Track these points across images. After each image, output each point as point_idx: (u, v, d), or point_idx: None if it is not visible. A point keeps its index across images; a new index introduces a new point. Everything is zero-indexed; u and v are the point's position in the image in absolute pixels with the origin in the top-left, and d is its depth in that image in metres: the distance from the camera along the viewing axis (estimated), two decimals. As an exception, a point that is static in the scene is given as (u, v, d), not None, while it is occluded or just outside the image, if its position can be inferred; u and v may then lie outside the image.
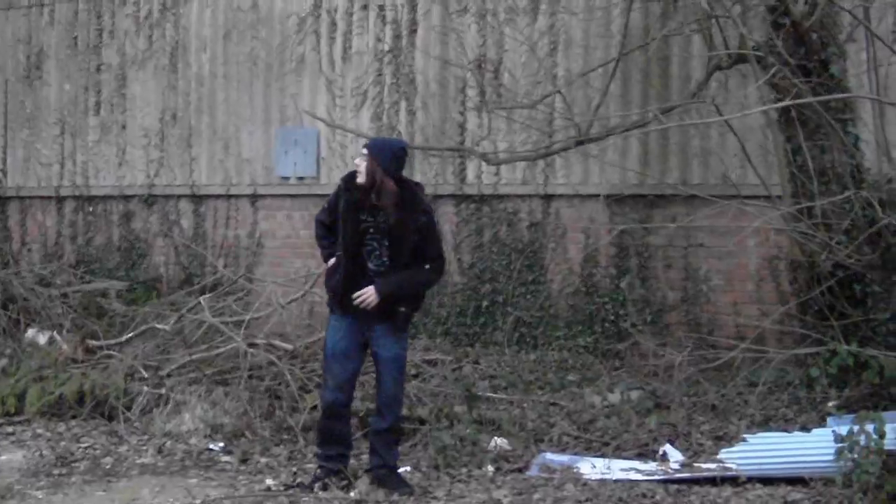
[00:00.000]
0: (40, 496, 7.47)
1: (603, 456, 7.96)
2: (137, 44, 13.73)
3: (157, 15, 13.60)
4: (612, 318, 11.14)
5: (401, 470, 7.83)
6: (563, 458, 7.92)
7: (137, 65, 13.72)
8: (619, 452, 8.06)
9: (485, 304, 11.74)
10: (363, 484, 7.26)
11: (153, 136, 13.61)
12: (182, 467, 8.26)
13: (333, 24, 12.54)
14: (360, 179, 7.13)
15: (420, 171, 12.06)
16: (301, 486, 7.36)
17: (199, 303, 10.82)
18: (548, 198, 11.54)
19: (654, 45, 9.41)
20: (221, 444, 8.84)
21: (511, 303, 11.63)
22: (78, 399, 10.01)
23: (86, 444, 8.97)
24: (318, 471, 7.39)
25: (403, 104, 12.21)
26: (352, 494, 7.14)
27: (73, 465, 8.37)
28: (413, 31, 12.12)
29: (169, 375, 10.17)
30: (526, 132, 10.91)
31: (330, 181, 12.42)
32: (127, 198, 13.80)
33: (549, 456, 7.98)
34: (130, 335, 11.33)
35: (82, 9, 14.11)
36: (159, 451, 8.73)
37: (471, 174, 11.86)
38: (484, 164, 11.64)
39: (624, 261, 11.19)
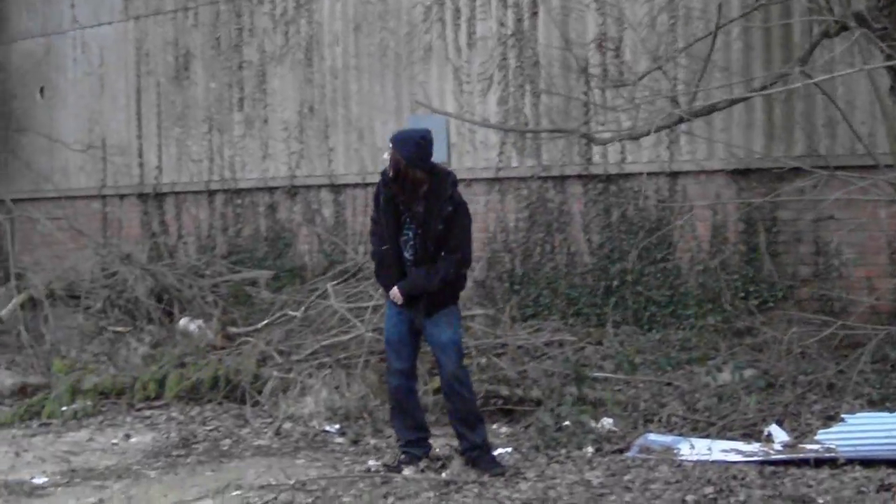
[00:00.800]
0: (153, 476, 7.86)
1: (708, 436, 7.85)
2: (275, 40, 14.13)
3: (291, 12, 13.97)
4: (742, 295, 10.91)
5: (503, 451, 7.94)
6: (666, 439, 7.85)
7: (276, 60, 14.13)
8: (724, 433, 7.93)
9: (614, 283, 11.66)
10: (456, 465, 7.37)
11: (293, 129, 13.99)
12: (294, 449, 8.54)
13: (457, 10, 12.64)
14: (391, 173, 7.31)
15: (546, 152, 12.06)
16: (389, 466, 7.52)
17: (327, 289, 11.13)
18: (674, 175, 11.38)
19: (761, 14, 9.14)
20: (337, 427, 9.09)
21: (640, 282, 11.52)
22: (213, 384, 10.44)
23: (211, 427, 9.35)
24: (402, 457, 7.55)
25: (528, 87, 12.21)
26: (443, 475, 7.25)
27: (193, 446, 8.75)
28: (534, 14, 12.12)
29: (298, 361, 10.50)
30: (647, 110, 10.77)
31: (460, 166, 12.55)
32: (271, 189, 14.24)
33: (652, 437, 7.93)
34: (266, 322, 11.73)
35: (223, 10, 14.60)
36: (277, 433, 9.04)
37: (597, 154, 11.78)
38: (609, 144, 11.57)
39: (752, 237, 10.93)
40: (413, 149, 7.25)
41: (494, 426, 8.86)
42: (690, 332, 10.75)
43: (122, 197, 15.82)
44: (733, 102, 8.49)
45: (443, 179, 7.37)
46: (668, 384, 9.21)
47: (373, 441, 8.58)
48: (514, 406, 9.18)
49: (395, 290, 7.40)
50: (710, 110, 8.54)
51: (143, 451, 8.64)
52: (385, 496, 6.84)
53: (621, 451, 7.75)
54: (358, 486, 7.17)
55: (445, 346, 7.41)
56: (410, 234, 7.37)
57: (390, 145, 7.29)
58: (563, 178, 12.03)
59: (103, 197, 16.03)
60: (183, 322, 12.67)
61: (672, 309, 11.30)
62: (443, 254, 7.36)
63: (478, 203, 12.56)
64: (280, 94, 14.13)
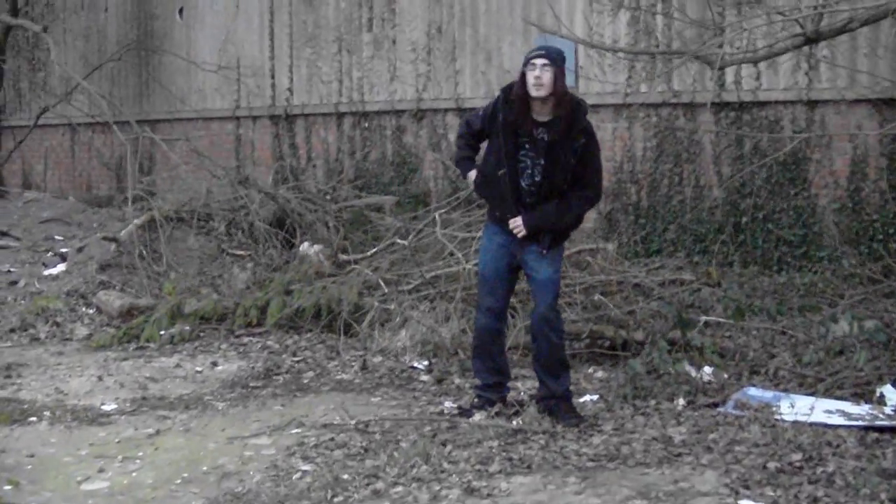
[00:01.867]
0: (220, 407, 7.61)
1: (814, 394, 7.13)
2: (405, -43, 13.63)
3: (421, -75, 13.44)
4: (881, 237, 10.01)
5: (589, 398, 7.42)
6: (766, 395, 7.16)
7: (405, -22, 13.64)
8: (833, 391, 7.19)
9: (744, 220, 10.88)
10: (529, 413, 6.85)
11: (420, 51, 13.51)
12: (376, 385, 8.17)
13: (589, -77, 11.88)
14: (541, 92, 6.57)
15: (678, 77, 11.28)
16: (461, 409, 7.06)
17: (435, 218, 10.69)
18: (812, 104, 10.49)
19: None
20: (426, 363, 8.69)
21: (772, 219, 10.71)
22: (315, 312, 10.14)
23: (299, 358, 9.08)
24: (476, 400, 7.07)
25: (660, 6, 11.39)
26: (513, 423, 6.75)
27: (274, 377, 8.49)
28: (669, -73, 11.28)
29: (402, 291, 10.14)
30: (788, 29, 9.88)
31: (588, 91, 11.88)
32: (398, 112, 13.82)
33: (752, 391, 7.25)
34: (375, 250, 11.38)
35: (356, -77, 14.18)
36: (364, 366, 8.70)
37: (730, 79, 10.95)
38: (744, 70, 10.74)
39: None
40: (564, 58, 6.69)
41: (591, 370, 8.33)
42: (820, 275, 9.91)
43: (254, 119, 15.65)
44: (867, 22, 7.58)
45: (577, 109, 6.72)
46: (783, 333, 8.47)
47: (457, 381, 8.14)
48: (617, 350, 8.62)
49: (517, 222, 6.74)
50: (839, 31, 7.65)
51: (222, 381, 8.42)
52: (444, 443, 6.39)
53: (716, 406, 7.10)
54: (423, 429, 6.75)
55: (545, 284, 6.81)
56: (528, 162, 6.69)
57: (543, 62, 6.52)
58: (693, 106, 11.23)
59: (237, 118, 15.90)
60: (304, 247, 12.40)
61: (804, 249, 10.48)
62: (575, 189, 6.77)
63: (605, 130, 11.89)
64: (408, 13, 13.63)
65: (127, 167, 15.69)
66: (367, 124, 14.18)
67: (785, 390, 7.29)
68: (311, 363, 8.94)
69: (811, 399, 6.95)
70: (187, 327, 10.15)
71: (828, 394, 7.11)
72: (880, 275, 9.61)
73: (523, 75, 6.64)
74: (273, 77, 15.32)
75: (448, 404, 7.45)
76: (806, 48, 10.25)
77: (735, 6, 10.65)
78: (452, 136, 13.27)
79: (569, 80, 11.88)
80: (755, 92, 10.77)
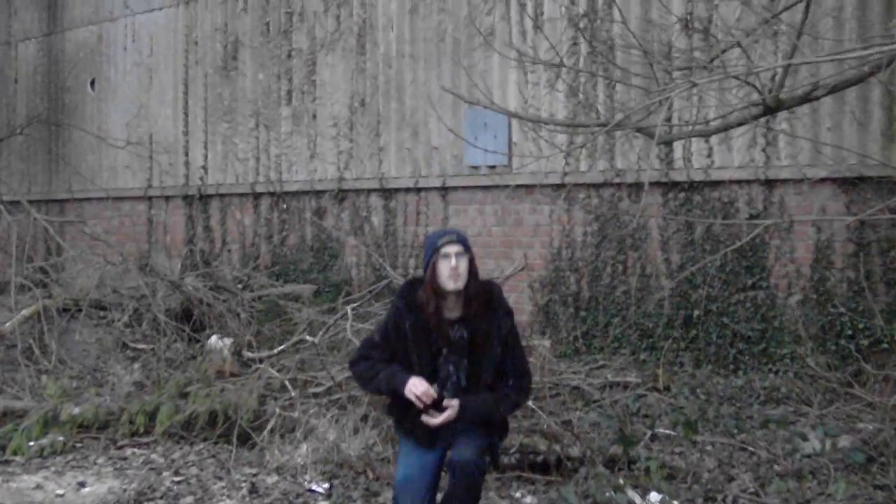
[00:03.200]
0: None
1: (782, 530, 5.92)
2: (326, 25, 12.53)
3: (342, -9, 12.37)
4: (850, 333, 8.88)
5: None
6: (725, 531, 5.93)
7: (326, 48, 12.51)
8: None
9: (696, 313, 9.72)
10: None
11: (342, 126, 12.37)
12: (262, 518, 6.88)
13: (522, -13, 10.85)
14: (459, 284, 5.49)
15: (620, 155, 10.18)
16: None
17: (346, 312, 9.47)
18: (769, 183, 9.41)
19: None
20: (326, 486, 7.40)
21: (727, 312, 9.56)
22: (211, 419, 8.88)
23: (181, 478, 7.75)
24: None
25: (601, 75, 10.32)
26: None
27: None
28: (609, -10, 10.26)
29: (310, 396, 8.91)
30: (744, 99, 8.81)
31: (522, 170, 10.76)
32: (318, 193, 12.63)
33: (708, 527, 6.02)
34: (282, 347, 10.14)
35: (272, -10, 13.09)
36: (252, 489, 7.39)
37: (678, 156, 9.87)
38: (694, 145, 9.67)
39: (865, 260, 8.89)
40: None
41: (519, 495, 7.07)
42: (782, 376, 8.75)
43: (167, 199, 14.41)
44: (835, 89, 6.51)
45: (493, 288, 5.69)
46: (743, 449, 7.27)
47: (360, 510, 6.86)
48: (551, 468, 7.39)
49: (448, 413, 5.54)
50: (803, 99, 6.56)
51: (83, 509, 7.08)
52: None
53: (666, 546, 5.87)
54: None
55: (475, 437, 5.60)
56: (451, 367, 5.61)
57: (456, 249, 5.50)
58: (638, 186, 10.13)
59: (149, 199, 14.64)
60: (212, 340, 11.12)
61: (763, 346, 9.33)
62: (509, 381, 5.65)
63: (541, 213, 10.77)
64: (330, 85, 12.51)
65: (31, 251, 14.36)
66: (285, 205, 12.98)
67: (746, 525, 6.07)
68: (193, 484, 7.62)
69: (780, 539, 5.73)
70: (61, 437, 8.80)
71: (799, 531, 5.90)
72: (850, 377, 8.46)
73: (433, 266, 5.55)
74: (187, 154, 14.11)
75: (342, 547, 6.17)
76: (763, 120, 9.23)
77: (684, 75, 9.58)
78: (376, 220, 12.09)
79: (502, 159, 10.85)
80: (707, 170, 9.68)
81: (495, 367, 5.60)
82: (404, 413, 5.66)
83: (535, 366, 8.80)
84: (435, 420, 5.46)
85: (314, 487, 7.40)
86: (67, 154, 15.82)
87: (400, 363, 5.62)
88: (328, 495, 7.23)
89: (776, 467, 6.82)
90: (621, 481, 6.60)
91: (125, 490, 7.48)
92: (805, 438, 6.49)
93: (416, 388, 5.46)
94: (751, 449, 7.20)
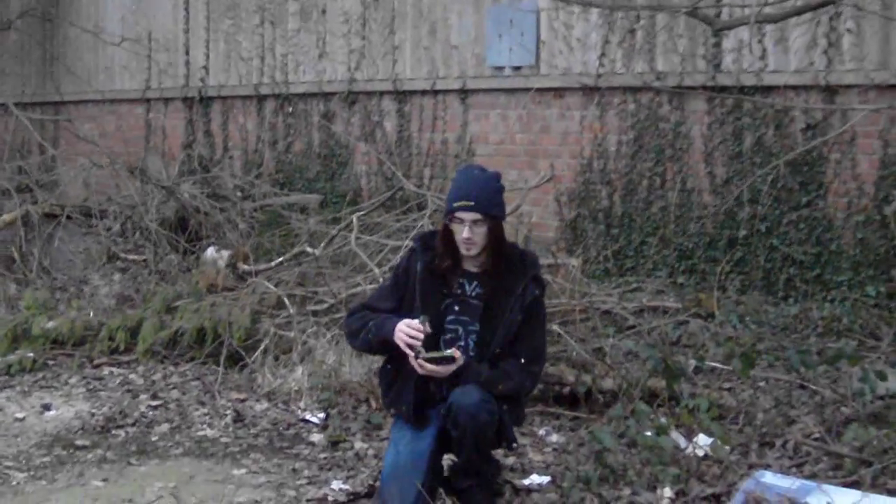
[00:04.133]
0: (17, 480, 5.39)
1: (858, 485, 4.94)
2: None
3: None
4: (918, 258, 7.88)
5: (535, 480, 5.25)
6: (789, 484, 4.95)
7: (338, -66, 11.42)
8: (885, 481, 5.01)
9: (742, 233, 8.71)
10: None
11: (354, 22, 11.30)
12: (248, 447, 5.99)
13: None
14: (473, 251, 4.57)
15: (662, 55, 9.12)
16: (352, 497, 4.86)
17: (352, 222, 8.50)
18: (831, 90, 8.33)
19: None
20: (322, 416, 6.48)
21: (777, 233, 8.55)
22: (199, 337, 7.99)
23: (158, 402, 6.85)
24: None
25: (643, -34, 9.23)
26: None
27: (114, 431, 6.27)
28: None
29: (308, 313, 7.99)
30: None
31: (551, 72, 9.72)
32: (327, 95, 11.59)
33: (768, 478, 5.02)
34: (280, 259, 9.20)
35: None
36: (237, 418, 6.49)
37: (728, 58, 8.80)
38: (748, 46, 8.60)
39: (937, 178, 7.89)
40: (503, 204, 4.70)
41: (542, 432, 6.15)
42: (847, 306, 7.77)
43: (166, 101, 13.41)
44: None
45: (523, 250, 4.85)
46: (803, 386, 6.32)
47: (358, 445, 5.94)
48: (580, 401, 6.50)
49: (435, 367, 4.47)
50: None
51: (42, 435, 6.19)
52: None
53: (718, 499, 4.93)
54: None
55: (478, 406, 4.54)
56: (460, 329, 4.65)
57: (468, 215, 4.51)
58: (681, 91, 9.07)
59: (147, 101, 13.63)
60: (209, 252, 10.16)
61: (817, 272, 8.33)
62: (521, 360, 4.62)
63: (570, 120, 9.74)
64: (341, -23, 11.43)
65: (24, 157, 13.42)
66: (291, 109, 11.95)
67: (813, 476, 5.11)
68: (171, 409, 6.73)
69: (856, 494, 4.75)
70: (31, 353, 7.91)
71: (877, 485, 4.93)
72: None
73: (446, 228, 4.62)
74: (187, 53, 13.09)
75: (336, 485, 5.25)
76: (825, 18, 8.16)
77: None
78: (389, 125, 11.07)
79: (529, 58, 9.78)
80: (759, 74, 8.62)
81: (509, 338, 4.59)
82: (394, 378, 4.70)
83: (563, 287, 7.82)
84: (433, 367, 4.45)
85: (308, 417, 6.49)
86: (62, 54, 14.82)
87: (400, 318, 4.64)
88: (323, 426, 6.32)
89: (843, 409, 5.85)
90: (663, 420, 5.66)
91: (94, 415, 6.60)
92: (884, 377, 5.50)
93: (406, 327, 4.48)
94: (812, 387, 6.24)
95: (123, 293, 9.56)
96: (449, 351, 4.46)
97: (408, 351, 4.43)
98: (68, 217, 11.34)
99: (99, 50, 14.19)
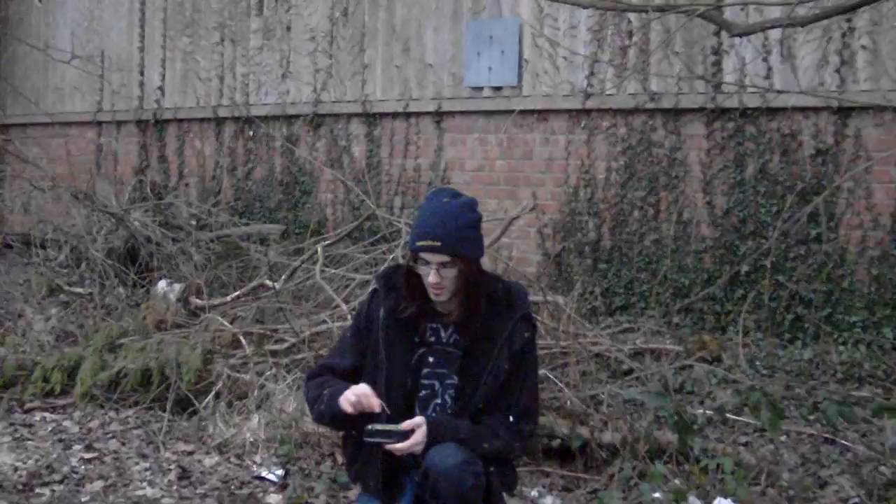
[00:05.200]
0: None
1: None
2: (305, -83, 10.67)
3: None
4: (940, 297, 7.15)
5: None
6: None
7: (304, -54, 10.66)
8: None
9: (744, 269, 7.95)
10: None
11: (321, 39, 10.51)
12: (192, 512, 5.12)
13: None
14: (443, 297, 3.78)
15: (655, 73, 8.39)
16: None
17: (316, 252, 7.69)
18: (844, 112, 7.61)
19: None
20: (281, 473, 5.63)
21: (784, 269, 7.80)
22: (143, 380, 7.15)
23: (93, 455, 5.98)
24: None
25: (636, -21, 8.51)
26: None
27: (35, 491, 5.38)
28: None
29: (266, 354, 7.17)
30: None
31: (535, 92, 8.97)
32: (291, 118, 10.78)
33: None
34: (238, 293, 8.37)
35: None
36: (182, 475, 5.63)
37: (729, 77, 8.08)
38: (750, 63, 7.90)
39: (962, 209, 7.16)
40: (475, 234, 3.85)
41: (534, 493, 5.34)
42: (865, 349, 7.02)
43: (119, 124, 12.54)
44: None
45: (511, 284, 4.00)
46: (830, 441, 5.54)
47: (323, 507, 5.11)
48: (575, 456, 5.72)
49: (415, 438, 3.67)
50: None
51: (-53, 497, 5.30)
52: None
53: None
54: None
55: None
56: (437, 385, 3.85)
57: (436, 258, 3.73)
58: (678, 113, 8.35)
59: (99, 123, 12.76)
60: (161, 285, 9.31)
61: (828, 312, 7.58)
62: (510, 417, 3.84)
63: (555, 145, 8.98)
64: (308, -9, 10.64)
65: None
66: (252, 132, 11.12)
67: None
68: (108, 463, 5.86)
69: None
70: (-51, 397, 7.03)
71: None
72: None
73: (410, 269, 3.85)
74: (142, 73, 12.25)
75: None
76: (837, 34, 7.46)
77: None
78: (357, 150, 10.27)
79: (511, 78, 9.02)
80: (765, 95, 7.89)
81: (495, 390, 3.80)
82: (356, 449, 3.88)
83: (548, 327, 7.02)
84: (397, 446, 3.64)
85: (265, 474, 5.64)
86: (10, 73, 13.93)
87: (368, 379, 3.83)
88: (282, 485, 5.47)
89: (882, 469, 5.08)
90: (677, 482, 4.88)
91: (16, 469, 5.70)
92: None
93: (354, 391, 3.68)
94: (843, 442, 5.47)
95: (64, 329, 8.70)
96: (403, 425, 3.65)
97: (349, 409, 3.66)
98: (8, 246, 10.49)
99: (49, 70, 13.34)
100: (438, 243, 3.70)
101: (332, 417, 3.76)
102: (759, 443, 5.70)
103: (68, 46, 12.88)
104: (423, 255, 3.74)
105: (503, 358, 3.80)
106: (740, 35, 5.49)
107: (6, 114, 13.93)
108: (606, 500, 4.44)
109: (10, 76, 13.89)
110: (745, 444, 5.66)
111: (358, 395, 3.66)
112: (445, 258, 3.71)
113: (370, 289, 4.03)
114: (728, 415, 5.91)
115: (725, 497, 4.83)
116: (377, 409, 3.65)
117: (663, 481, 4.64)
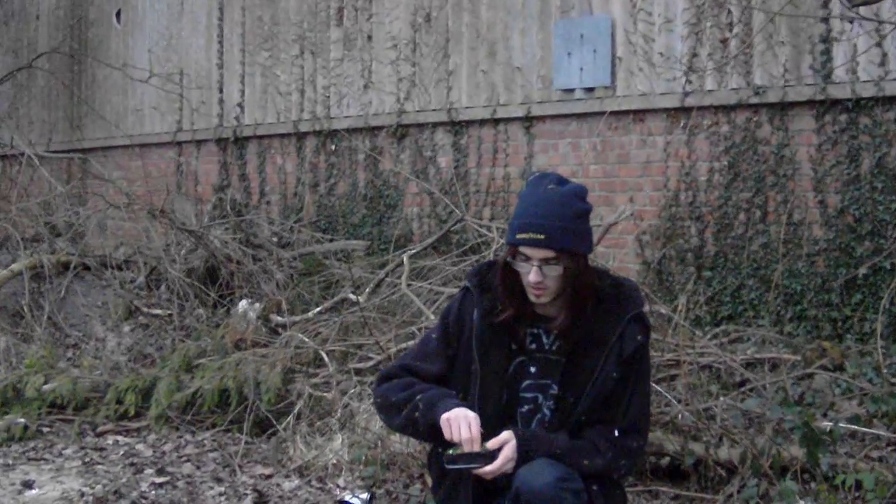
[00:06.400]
0: None
1: None
2: (384, -78, 10.29)
3: None
4: None
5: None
6: None
7: (384, -49, 10.28)
8: None
9: (862, 272, 7.34)
10: None
11: (403, 47, 10.10)
12: (265, 544, 4.68)
13: None
14: (540, 300, 3.31)
15: (760, 66, 7.83)
16: None
17: (402, 263, 7.26)
18: (971, 98, 7.00)
19: None
20: (366, 497, 5.18)
21: (906, 271, 7.20)
22: (222, 401, 6.80)
23: (166, 478, 5.59)
24: None
25: (737, -35, 7.99)
26: None
27: (99, 524, 4.99)
28: None
29: (350, 371, 6.76)
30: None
31: (630, 92, 8.47)
32: (374, 130, 10.38)
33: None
34: (319, 308, 7.97)
35: None
36: (259, 500, 5.22)
37: (840, 67, 7.50)
38: (863, 50, 7.31)
39: None
40: (585, 228, 3.35)
41: (643, 516, 4.82)
42: None
43: (199, 143, 12.26)
44: None
45: (622, 282, 3.50)
46: (981, 455, 4.94)
47: (412, 536, 4.64)
48: (688, 476, 5.22)
49: (505, 455, 3.19)
50: None
51: (7, 525, 4.94)
52: None
53: None
54: None
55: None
56: (540, 398, 3.40)
57: (541, 251, 3.27)
58: (784, 107, 7.77)
59: (179, 144, 12.50)
60: (242, 305, 8.98)
61: (961, 316, 6.95)
62: (615, 431, 3.37)
63: (653, 147, 8.46)
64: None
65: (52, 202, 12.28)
66: (334, 146, 10.75)
67: None
68: (180, 488, 5.47)
69: None
70: (21, 419, 6.71)
71: None
72: None
73: (507, 265, 3.36)
74: (221, 90, 11.95)
75: None
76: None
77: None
78: (444, 160, 9.83)
79: (604, 78, 8.53)
80: (879, 84, 7.30)
81: (599, 401, 3.31)
82: (443, 471, 3.38)
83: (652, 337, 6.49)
84: (485, 469, 3.15)
85: (348, 498, 5.20)
86: (90, 97, 13.76)
87: (457, 392, 3.36)
88: (368, 510, 5.02)
89: None
90: (803, 502, 4.32)
91: (83, 494, 5.33)
92: None
93: (461, 417, 3.18)
94: None
95: (142, 351, 8.39)
96: (489, 444, 3.17)
97: (452, 436, 3.17)
98: (86, 268, 10.22)
99: (128, 91, 13.13)
100: (542, 236, 3.22)
101: (431, 430, 3.27)
102: (895, 458, 5.11)
103: (147, 66, 12.66)
104: (523, 249, 3.26)
105: (611, 364, 3.31)
106: (862, 4, 4.95)
107: (86, 137, 13.75)
108: (732, 522, 3.90)
109: (89, 99, 13.71)
110: (879, 460, 5.08)
111: (458, 432, 3.16)
112: (550, 254, 3.23)
113: (462, 288, 3.56)
114: (857, 427, 5.33)
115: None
116: (475, 448, 3.16)
117: (793, 499, 4.09)
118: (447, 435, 3.14)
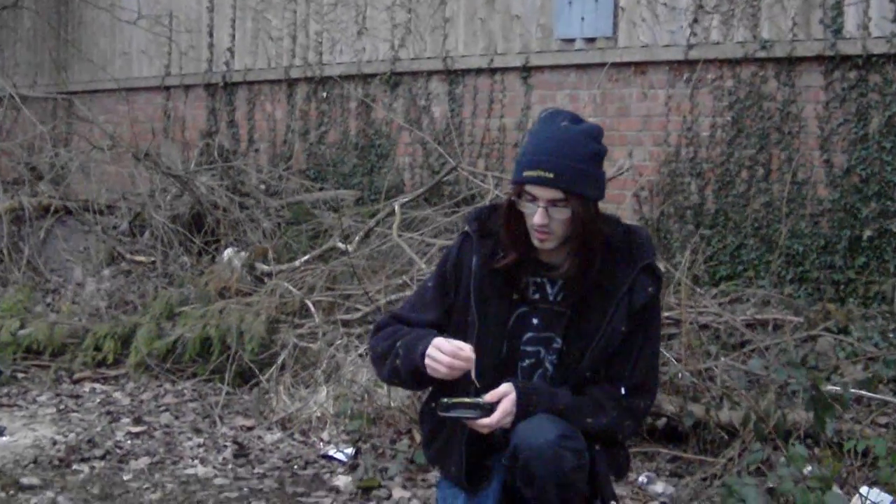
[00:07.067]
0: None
1: None
2: None
3: None
4: None
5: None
6: None
7: None
8: None
9: (867, 233, 7.13)
10: None
11: (399, -9, 9.82)
12: (249, 492, 4.53)
13: None
14: (549, 244, 3.07)
15: (768, 19, 7.58)
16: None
17: (393, 210, 7.02)
18: None
19: None
20: (350, 452, 4.97)
21: (912, 233, 6.99)
22: (202, 349, 6.58)
23: (142, 428, 5.38)
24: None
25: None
26: None
27: (73, 468, 4.77)
28: None
29: (337, 322, 6.54)
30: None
31: (632, 43, 8.21)
32: (367, 77, 10.10)
33: None
34: (306, 257, 7.74)
35: None
36: (239, 452, 4.99)
37: (850, 23, 7.25)
38: (874, 5, 7.06)
39: None
40: (597, 170, 3.11)
41: (642, 478, 4.63)
42: None
43: (187, 88, 11.97)
44: None
45: (634, 230, 3.26)
46: None
47: (397, 493, 4.43)
48: (687, 438, 5.03)
49: (503, 408, 2.97)
50: None
51: (-21, 471, 4.72)
52: None
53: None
54: None
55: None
56: (542, 352, 3.16)
57: (547, 191, 3.02)
58: (792, 62, 7.52)
59: (167, 88, 12.21)
60: (227, 253, 8.77)
61: (967, 281, 6.74)
62: (621, 389, 3.14)
63: (654, 100, 8.21)
64: (385, -59, 9.94)
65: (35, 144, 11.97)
66: (325, 94, 10.46)
67: None
68: (157, 438, 5.25)
69: None
70: (-3, 366, 6.48)
71: None
72: None
73: (511, 205, 3.10)
74: (211, 34, 11.65)
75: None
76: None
77: None
78: (438, 110, 9.57)
79: (606, 29, 8.27)
80: (892, 40, 7.05)
81: (605, 357, 3.08)
82: (435, 426, 3.16)
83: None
84: (482, 421, 2.92)
85: (332, 453, 4.99)
86: (77, 38, 13.43)
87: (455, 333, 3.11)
88: (352, 466, 4.81)
89: None
90: (810, 468, 4.13)
91: (55, 443, 5.11)
92: None
93: (437, 351, 2.95)
94: None
95: (123, 298, 8.15)
96: (488, 396, 2.94)
97: (438, 372, 2.95)
98: (68, 212, 9.95)
99: (116, 34, 12.83)
100: (551, 175, 2.99)
101: (413, 376, 3.06)
102: (898, 422, 4.92)
103: (135, 8, 12.33)
104: (529, 188, 3.02)
105: (620, 317, 3.09)
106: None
107: (72, 80, 13.44)
108: (737, 489, 3.69)
109: (76, 41, 13.40)
110: (886, 426, 4.88)
111: (451, 354, 2.95)
112: (558, 195, 2.99)
113: (461, 233, 3.33)
114: (863, 392, 5.13)
115: (873, 486, 4.08)
116: (469, 367, 2.94)
117: (804, 464, 3.89)
118: (432, 373, 2.93)
